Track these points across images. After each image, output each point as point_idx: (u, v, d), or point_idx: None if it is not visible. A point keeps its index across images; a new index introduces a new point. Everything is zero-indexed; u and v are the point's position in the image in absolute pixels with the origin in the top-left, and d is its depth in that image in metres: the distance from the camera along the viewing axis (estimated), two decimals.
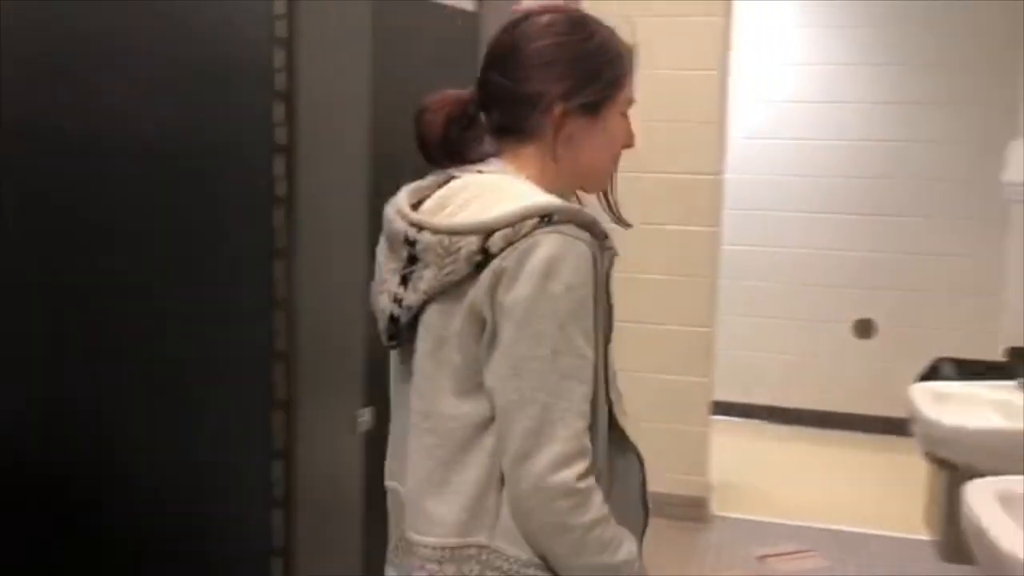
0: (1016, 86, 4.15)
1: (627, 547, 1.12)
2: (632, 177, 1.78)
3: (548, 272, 1.07)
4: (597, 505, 1.09)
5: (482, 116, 1.22)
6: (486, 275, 1.09)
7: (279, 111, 1.47)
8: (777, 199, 4.89)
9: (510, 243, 1.08)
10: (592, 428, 1.11)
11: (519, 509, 1.09)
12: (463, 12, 2.12)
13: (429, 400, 1.15)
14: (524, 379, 1.08)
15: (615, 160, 1.25)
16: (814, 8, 4.89)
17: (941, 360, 3.51)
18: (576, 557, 1.09)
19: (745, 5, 3.54)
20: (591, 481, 1.08)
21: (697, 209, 3.58)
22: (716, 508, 3.67)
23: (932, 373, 3.45)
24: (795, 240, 4.90)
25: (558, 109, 1.17)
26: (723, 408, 4.27)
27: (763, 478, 4.14)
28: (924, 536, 3.32)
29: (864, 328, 4.89)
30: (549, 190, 1.16)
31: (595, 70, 1.20)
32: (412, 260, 1.14)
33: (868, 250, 4.84)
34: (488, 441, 1.12)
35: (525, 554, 1.10)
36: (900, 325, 4.79)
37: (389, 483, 1.26)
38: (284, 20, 1.47)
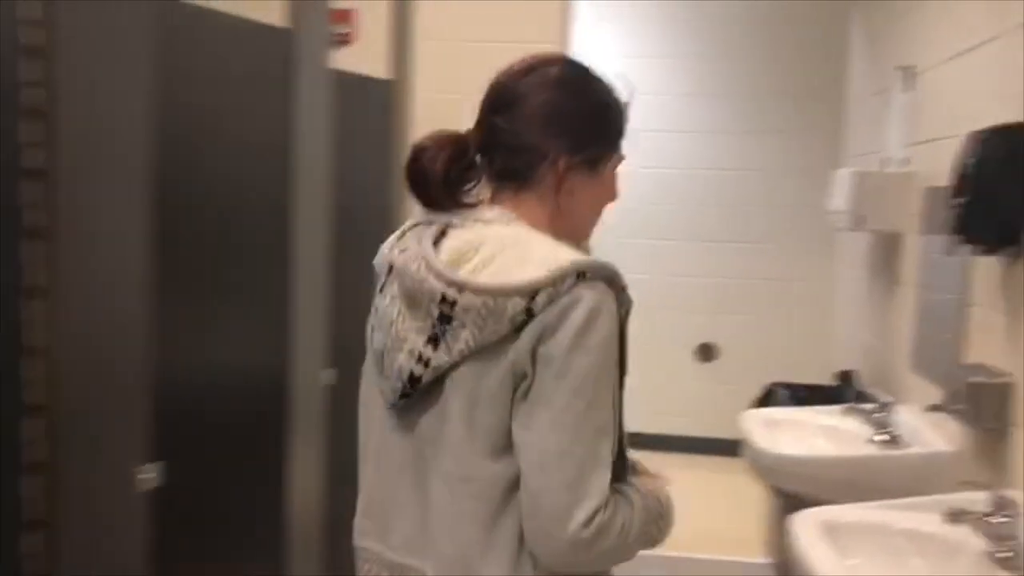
0: (839, 115, 4.32)
1: (648, 501, 1.22)
2: None
3: (587, 327, 1.12)
4: (617, 519, 1.13)
5: (478, 159, 1.24)
6: (529, 332, 1.12)
7: (32, 130, 1.28)
8: (616, 226, 4.92)
9: (552, 301, 1.11)
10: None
11: (559, 561, 1.13)
12: (272, 28, 1.98)
13: (467, 463, 1.16)
14: (563, 432, 1.11)
15: (602, 213, 1.31)
16: (643, 39, 4.98)
17: (775, 385, 3.57)
18: (636, 547, 1.18)
19: (575, 33, 3.51)
20: (603, 516, 1.12)
21: None
22: None
23: (766, 398, 3.50)
24: (636, 267, 4.95)
25: (563, 162, 1.23)
26: None
27: None
28: (763, 560, 3.35)
29: (706, 352, 4.97)
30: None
31: (600, 127, 1.27)
32: (445, 319, 1.14)
33: (709, 276, 4.94)
34: (520, 498, 1.15)
35: None
36: (741, 349, 4.90)
37: (363, 543, 1.27)
38: (41, 28, 1.29)
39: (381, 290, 1.24)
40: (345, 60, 2.39)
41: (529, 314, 1.11)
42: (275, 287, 1.96)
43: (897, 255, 3.12)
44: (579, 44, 4.21)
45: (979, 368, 2.23)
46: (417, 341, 1.16)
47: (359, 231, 2.10)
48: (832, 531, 1.86)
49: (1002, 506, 1.79)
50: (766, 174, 4.85)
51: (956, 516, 1.78)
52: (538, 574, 1.14)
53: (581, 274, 1.13)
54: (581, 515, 1.09)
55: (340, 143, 2.08)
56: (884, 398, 2.88)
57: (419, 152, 1.22)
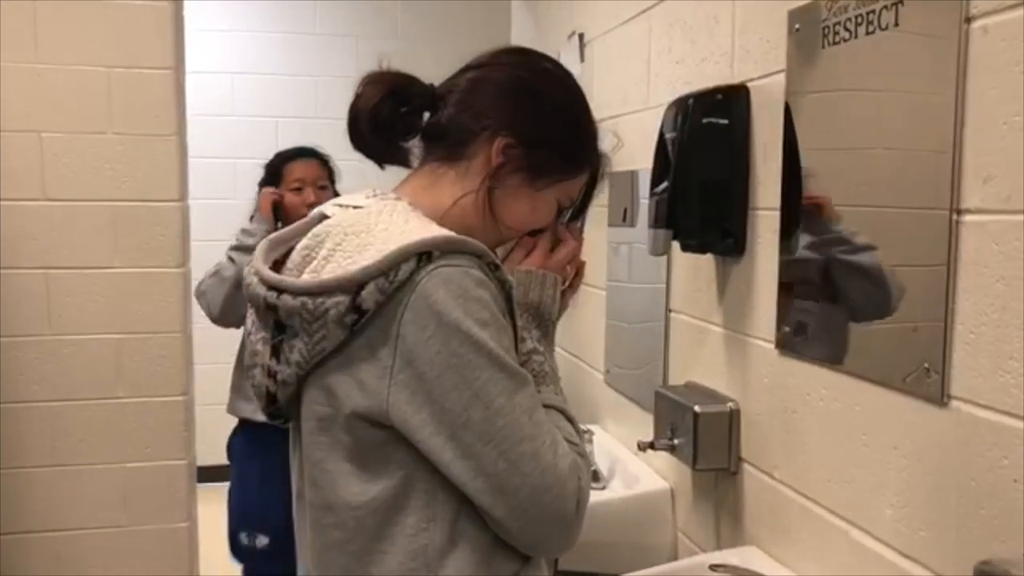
0: None
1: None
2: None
3: (455, 319, 0.94)
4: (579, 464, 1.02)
5: (426, 115, 1.12)
6: (369, 336, 0.96)
7: None
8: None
9: (387, 295, 0.94)
10: None
11: (572, 542, 1.02)
12: None
13: (327, 490, 1.02)
14: (501, 443, 0.96)
15: (511, 235, 1.15)
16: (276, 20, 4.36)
17: None
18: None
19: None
20: (582, 479, 1.01)
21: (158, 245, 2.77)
22: None
23: None
24: None
25: (500, 143, 1.08)
26: (211, 474, 3.52)
27: None
28: None
29: None
30: (439, 223, 1.04)
31: (560, 133, 1.13)
32: (280, 328, 1.01)
33: None
34: (408, 522, 0.99)
35: None
36: None
37: None
38: None
39: None
40: None
41: (359, 311, 0.94)
42: None
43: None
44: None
45: (694, 390, 1.86)
46: (264, 354, 1.04)
47: None
48: None
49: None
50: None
51: None
52: None
53: (425, 255, 0.95)
54: (571, 502, 0.99)
55: None
56: None
57: (363, 79, 1.10)
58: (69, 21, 2.72)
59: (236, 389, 2.72)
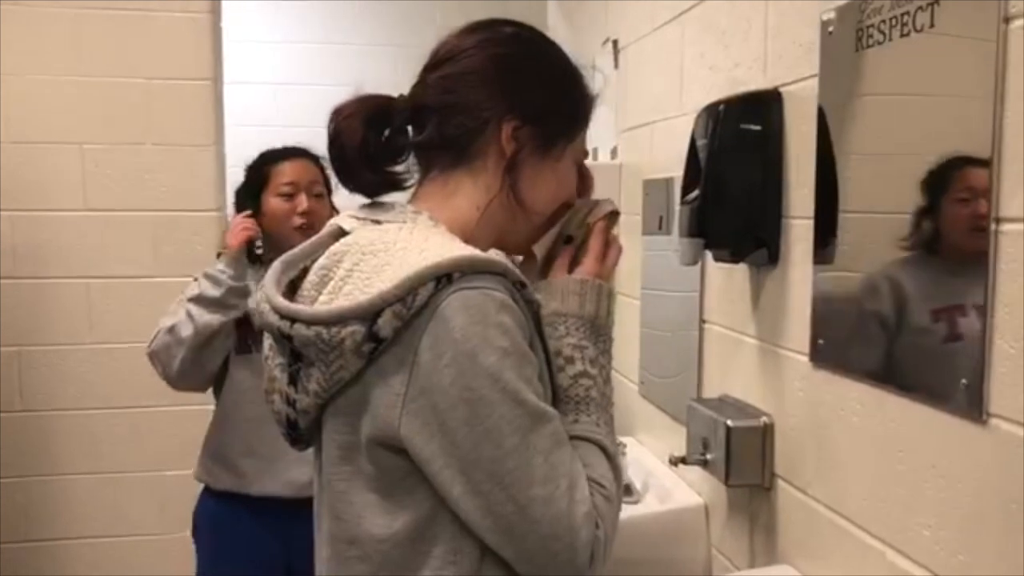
0: None
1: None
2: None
3: (473, 348, 0.89)
4: (603, 510, 0.95)
5: (410, 130, 1.05)
6: (384, 365, 0.91)
7: None
8: None
9: (405, 321, 0.89)
10: None
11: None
12: None
13: (351, 523, 0.98)
14: (509, 485, 0.89)
15: (541, 220, 1.09)
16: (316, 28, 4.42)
17: None
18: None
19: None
20: (598, 531, 0.93)
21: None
22: None
23: None
24: None
25: (508, 129, 1.02)
26: None
27: None
28: None
29: None
30: (470, 238, 1.00)
31: (559, 96, 1.06)
32: (296, 355, 0.97)
33: None
34: (435, 553, 0.94)
35: None
36: None
37: None
38: None
39: None
40: None
41: (376, 340, 0.90)
42: None
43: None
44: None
45: (726, 404, 1.81)
46: (282, 380, 1.00)
47: None
48: None
49: None
50: None
51: None
52: None
53: (445, 277, 0.89)
54: (583, 554, 0.91)
55: None
56: None
57: (335, 114, 1.04)
58: (110, 35, 2.77)
59: (213, 453, 2.19)
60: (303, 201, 2.14)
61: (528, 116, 1.03)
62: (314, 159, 2.18)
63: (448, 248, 0.94)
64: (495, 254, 0.96)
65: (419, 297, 0.89)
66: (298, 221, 2.13)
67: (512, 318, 0.92)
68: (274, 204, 2.15)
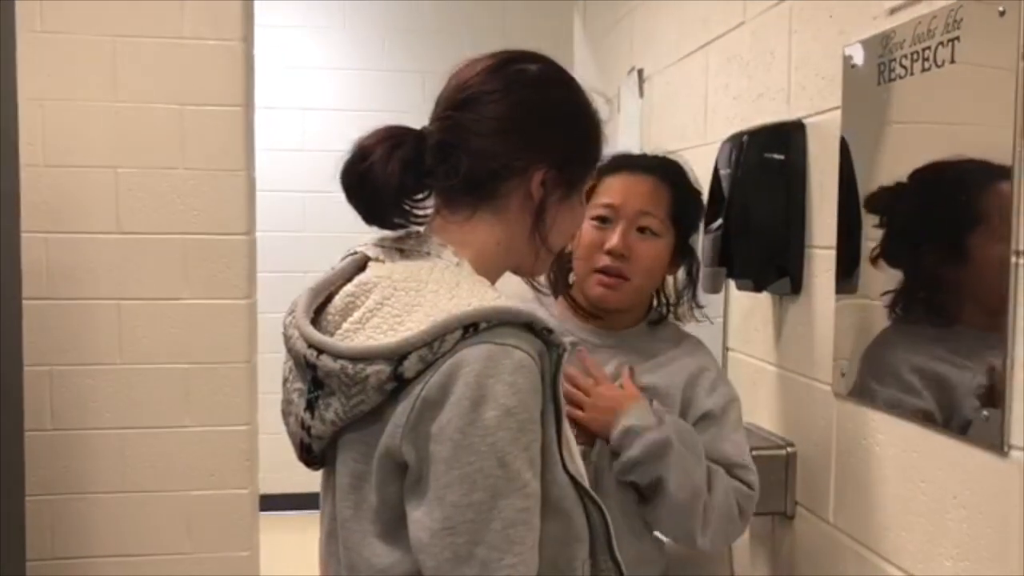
0: None
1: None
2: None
3: (478, 396, 0.90)
4: None
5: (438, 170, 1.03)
6: (404, 407, 0.93)
7: None
8: (315, 258, 4.36)
9: (428, 364, 0.91)
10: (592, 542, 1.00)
11: None
12: None
13: (353, 551, 1.00)
14: (459, 534, 0.90)
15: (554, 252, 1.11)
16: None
17: None
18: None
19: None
20: None
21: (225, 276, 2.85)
22: None
23: None
24: None
25: (540, 178, 1.03)
26: (273, 502, 3.61)
27: None
28: None
29: None
30: (490, 269, 1.04)
31: (585, 144, 1.08)
32: (317, 383, 0.98)
33: None
34: None
35: None
36: None
37: None
38: None
39: None
40: None
41: (400, 379, 0.92)
42: None
43: None
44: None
45: (750, 432, 1.82)
46: (300, 405, 1.02)
47: None
48: None
49: None
50: None
51: None
52: None
53: (472, 326, 0.91)
54: None
55: None
56: None
57: (366, 150, 1.01)
58: (145, 61, 2.83)
59: None
60: None
61: (555, 163, 1.04)
62: None
63: (478, 295, 0.95)
64: (522, 302, 0.97)
65: (445, 343, 0.91)
66: None
67: (527, 381, 0.92)
68: None
